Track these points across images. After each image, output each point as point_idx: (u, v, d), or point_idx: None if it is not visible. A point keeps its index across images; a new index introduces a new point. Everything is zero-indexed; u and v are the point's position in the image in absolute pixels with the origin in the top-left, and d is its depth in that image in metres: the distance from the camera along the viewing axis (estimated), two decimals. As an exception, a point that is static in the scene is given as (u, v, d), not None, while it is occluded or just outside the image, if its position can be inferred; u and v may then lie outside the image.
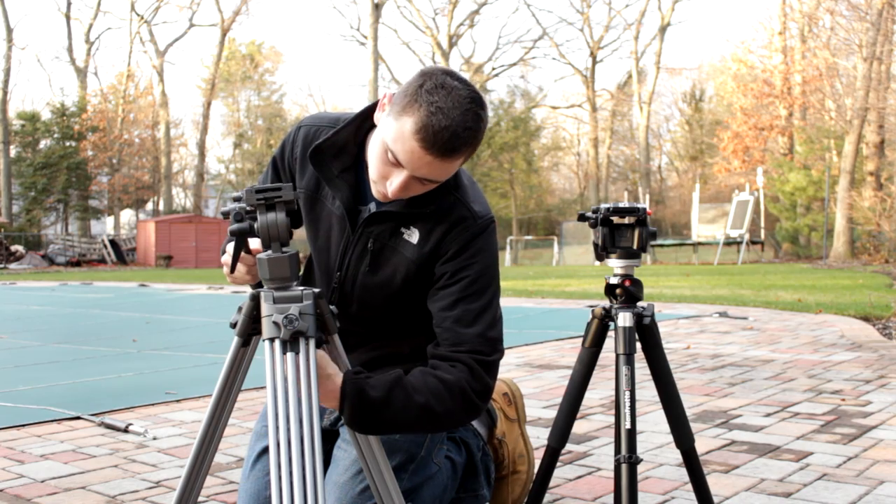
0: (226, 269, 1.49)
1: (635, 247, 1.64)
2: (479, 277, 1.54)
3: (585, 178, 44.00)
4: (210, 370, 4.47)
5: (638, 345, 1.64)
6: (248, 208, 1.20)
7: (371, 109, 1.56)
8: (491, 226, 1.59)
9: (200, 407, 3.46)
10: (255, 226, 1.20)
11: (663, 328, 6.18)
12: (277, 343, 1.17)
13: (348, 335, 1.61)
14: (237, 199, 1.22)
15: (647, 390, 3.46)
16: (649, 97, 39.09)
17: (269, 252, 1.20)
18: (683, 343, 5.44)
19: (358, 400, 1.34)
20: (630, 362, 1.60)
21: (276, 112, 44.38)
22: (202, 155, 40.29)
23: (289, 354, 1.16)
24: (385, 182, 1.45)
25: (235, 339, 1.27)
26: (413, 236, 1.57)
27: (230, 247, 1.49)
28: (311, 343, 1.18)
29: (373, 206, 1.60)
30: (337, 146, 1.57)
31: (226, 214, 1.21)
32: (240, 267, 1.48)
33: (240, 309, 1.25)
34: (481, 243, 1.56)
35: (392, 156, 1.41)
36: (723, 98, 35.25)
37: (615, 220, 1.65)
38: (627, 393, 1.57)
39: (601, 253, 1.66)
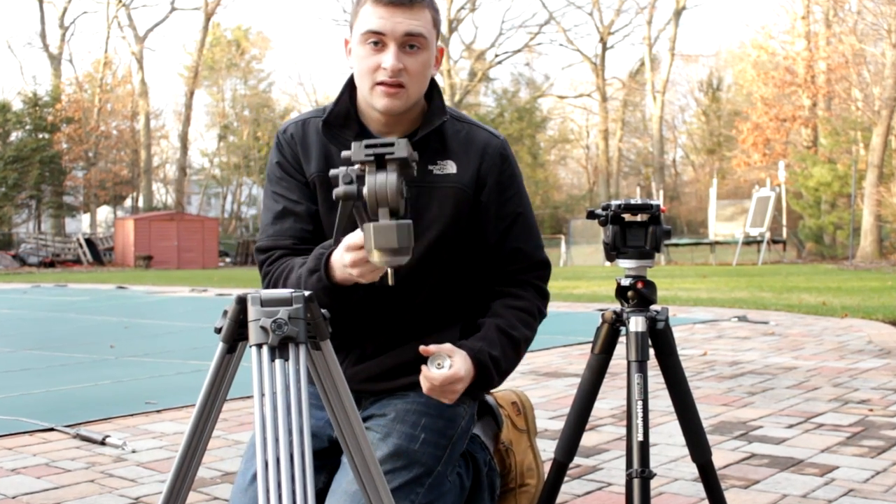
0: (346, 258, 1.43)
1: (648, 246, 1.64)
2: (522, 198, 1.79)
3: (595, 173, 44.04)
4: (193, 378, 4.47)
5: (651, 351, 1.64)
6: (359, 170, 1.18)
7: (353, 77, 1.73)
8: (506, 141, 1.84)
9: (183, 418, 3.46)
10: (364, 190, 1.18)
11: (678, 333, 6.18)
12: (265, 349, 1.17)
13: (385, 333, 1.73)
14: (349, 161, 1.18)
15: (660, 400, 3.46)
16: (663, 86, 39.10)
17: (378, 217, 1.17)
18: (700, 349, 5.44)
19: (493, 366, 1.66)
20: (643, 370, 1.59)
21: (264, 102, 44.38)
22: (184, 148, 40.30)
23: (277, 362, 1.16)
24: (379, 70, 1.63)
25: (220, 345, 1.27)
26: (448, 167, 1.72)
27: (349, 238, 1.42)
28: (302, 349, 1.18)
29: None
30: (341, 116, 1.73)
31: (334, 178, 1.20)
32: (361, 257, 1.38)
33: (225, 312, 1.25)
34: (513, 162, 1.80)
35: (370, 37, 1.62)
36: (742, 87, 35.27)
37: (627, 217, 1.65)
38: (640, 403, 1.57)
39: (612, 253, 1.66)
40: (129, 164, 37.85)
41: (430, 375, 1.61)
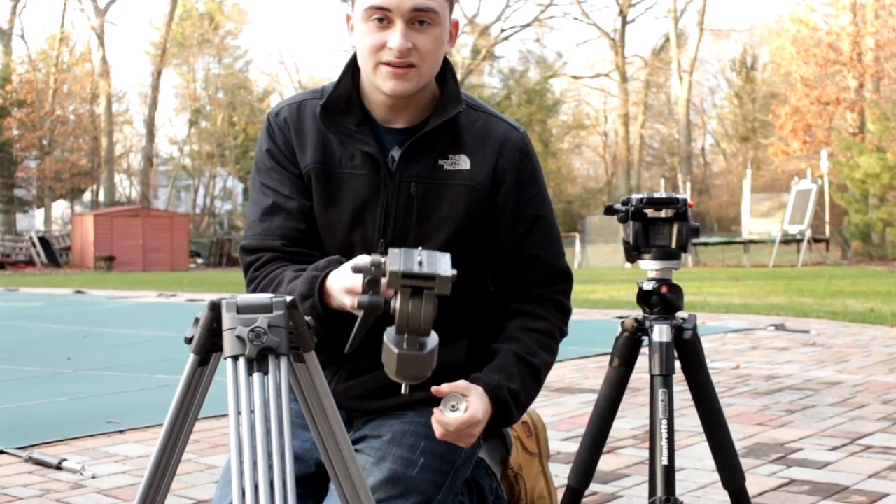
0: (347, 301, 1.50)
1: (674, 245, 1.64)
2: (543, 199, 1.80)
3: (614, 163, 44.04)
4: (160, 394, 4.46)
5: (677, 364, 1.64)
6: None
7: (356, 55, 1.73)
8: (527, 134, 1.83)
9: (149, 439, 3.46)
10: (392, 303, 1.18)
11: (708, 343, 6.17)
12: (242, 362, 1.17)
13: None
14: (375, 263, 1.19)
15: (688, 418, 3.45)
16: (691, 65, 39.11)
17: (405, 346, 1.18)
18: (732, 362, 5.44)
19: (512, 402, 1.67)
20: (668, 385, 1.60)
21: (241, 83, 44.43)
22: (151, 134, 40.33)
23: (256, 375, 1.16)
24: (385, 50, 1.61)
25: (191, 357, 1.27)
26: (461, 163, 1.72)
27: (357, 275, 1.41)
28: (283, 362, 1.18)
29: (396, 153, 1.71)
30: (342, 100, 1.72)
31: (359, 271, 1.21)
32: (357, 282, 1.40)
33: (196, 320, 1.25)
34: (534, 158, 1.80)
35: (373, 13, 1.60)
36: (779, 66, 35.26)
37: (649, 213, 1.65)
38: (664, 422, 1.57)
39: (633, 253, 1.66)
40: (88, 152, 37.87)
41: (444, 420, 1.60)
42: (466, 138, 1.73)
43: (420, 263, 1.17)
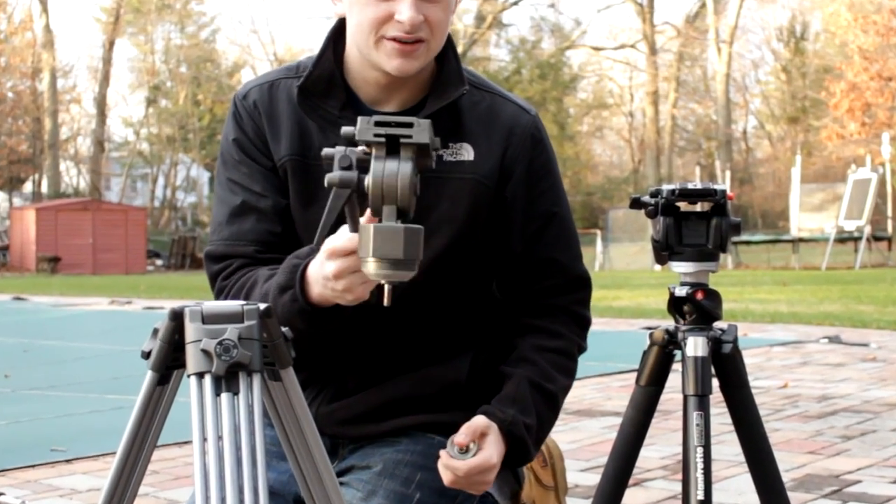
0: (328, 269, 1.41)
1: (711, 245, 1.64)
2: (558, 194, 1.80)
3: (641, 148, 44.11)
4: (113, 418, 4.46)
5: (715, 382, 1.64)
6: (362, 153, 1.18)
7: (340, 24, 1.71)
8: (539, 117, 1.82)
9: (100, 470, 3.46)
10: (366, 180, 1.17)
11: (751, 359, 6.18)
12: (208, 380, 1.17)
13: (372, 363, 1.72)
14: (350, 140, 1.18)
15: (726, 446, 3.46)
16: (731, 34, 39.16)
17: (382, 218, 1.17)
18: (779, 380, 5.44)
19: (529, 438, 1.67)
20: (704, 407, 1.59)
21: (206, 55, 44.49)
22: (102, 115, 40.41)
23: (224, 396, 1.16)
24: (392, 24, 1.59)
25: (149, 375, 1.27)
26: (463, 152, 1.71)
27: (341, 235, 1.40)
28: (256, 380, 1.18)
29: None
30: (323, 80, 1.70)
31: (328, 159, 1.19)
32: (350, 264, 1.37)
33: (155, 332, 1.25)
34: (548, 145, 1.80)
35: None
36: (834, 35, 35.30)
37: (683, 206, 1.65)
38: (700, 450, 1.57)
39: (663, 253, 1.66)
40: (29, 136, 37.90)
41: (452, 465, 1.59)
42: (469, 124, 1.72)
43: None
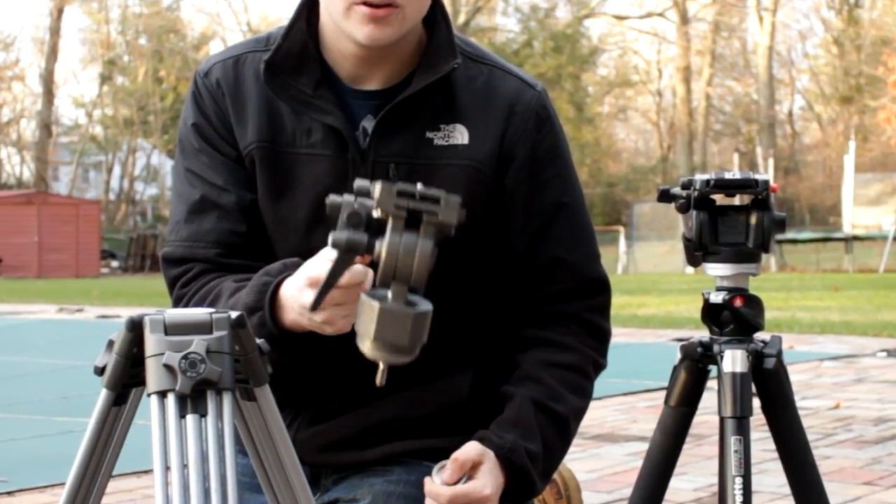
0: (306, 298, 1.45)
1: (751, 244, 1.65)
2: (568, 182, 1.79)
3: (671, 133, 44.06)
4: (62, 443, 4.47)
5: (756, 402, 1.65)
6: (375, 213, 1.18)
7: None
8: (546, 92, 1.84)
9: (47, 503, 3.46)
10: (378, 246, 1.18)
11: (797, 375, 6.18)
12: (172, 399, 1.17)
13: (357, 382, 1.67)
14: (361, 192, 1.19)
15: (769, 475, 3.46)
16: (774, 1, 39.11)
17: (389, 298, 1.17)
18: (830, 399, 5.44)
19: (533, 468, 1.66)
20: (743, 431, 1.60)
21: (170, 25, 44.44)
22: (49, 94, 40.37)
23: (190, 418, 1.17)
24: None
25: (103, 394, 1.28)
26: (456, 135, 1.71)
27: (325, 261, 1.41)
28: (226, 399, 1.18)
29: (368, 125, 1.71)
30: (293, 54, 1.70)
31: (336, 207, 1.19)
32: (333, 295, 1.38)
33: (111, 344, 1.25)
34: (556, 125, 1.80)
35: None
36: (894, 2, 35.24)
37: (719, 199, 1.66)
38: (739, 480, 1.58)
39: (696, 254, 1.67)
40: (-37, 118, 37.86)
41: (434, 491, 1.60)
42: (464, 102, 1.72)
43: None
